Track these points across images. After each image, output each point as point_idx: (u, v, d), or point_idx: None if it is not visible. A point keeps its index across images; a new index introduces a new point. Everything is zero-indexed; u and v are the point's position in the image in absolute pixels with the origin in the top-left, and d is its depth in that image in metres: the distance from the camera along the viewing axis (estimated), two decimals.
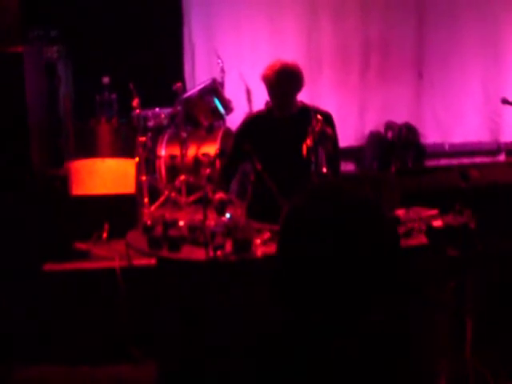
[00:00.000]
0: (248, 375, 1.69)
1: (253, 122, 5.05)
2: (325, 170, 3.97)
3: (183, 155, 5.99)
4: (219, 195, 4.25)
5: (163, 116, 6.52)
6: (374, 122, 7.76)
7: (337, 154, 4.59)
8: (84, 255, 5.58)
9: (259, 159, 4.53)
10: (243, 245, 3.82)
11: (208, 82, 6.30)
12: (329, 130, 4.22)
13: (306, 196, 1.64)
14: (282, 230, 1.64)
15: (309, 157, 4.08)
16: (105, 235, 5.81)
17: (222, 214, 4.03)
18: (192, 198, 5.84)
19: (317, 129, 4.09)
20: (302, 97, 7.60)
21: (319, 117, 4.18)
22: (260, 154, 4.54)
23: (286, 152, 4.70)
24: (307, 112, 4.54)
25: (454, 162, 7.76)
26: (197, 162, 6.05)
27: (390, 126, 7.66)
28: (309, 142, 4.09)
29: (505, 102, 6.86)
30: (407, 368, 1.70)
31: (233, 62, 7.16)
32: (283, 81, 4.80)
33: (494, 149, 7.88)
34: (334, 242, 1.54)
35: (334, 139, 4.49)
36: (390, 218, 1.68)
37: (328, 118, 4.59)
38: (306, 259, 1.55)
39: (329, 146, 4.15)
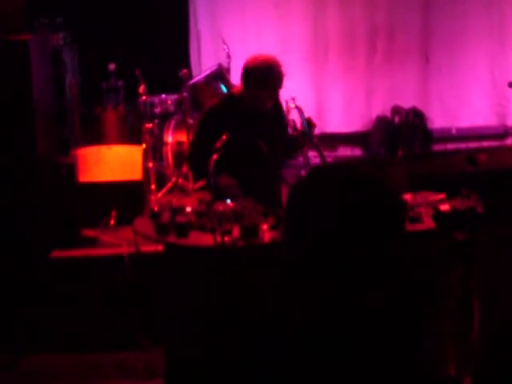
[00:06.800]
0: (257, 358, 1.71)
1: (221, 112, 4.76)
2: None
3: (190, 141, 5.99)
4: (226, 181, 4.28)
5: (170, 102, 6.52)
6: (380, 106, 7.74)
7: None
8: (92, 242, 5.61)
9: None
10: (251, 230, 3.81)
11: (214, 68, 6.29)
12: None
13: (310, 175, 1.72)
14: (289, 208, 1.70)
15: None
16: (112, 222, 5.83)
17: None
18: (199, 184, 5.85)
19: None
20: (309, 82, 7.65)
21: None
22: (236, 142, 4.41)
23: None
24: None
25: (462, 146, 7.74)
26: None
27: (396, 110, 7.64)
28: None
29: None
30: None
31: (239, 47, 7.13)
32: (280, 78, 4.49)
33: (502, 133, 7.85)
34: (338, 218, 1.61)
35: None
36: (393, 194, 1.75)
37: None
38: (311, 234, 1.61)
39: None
